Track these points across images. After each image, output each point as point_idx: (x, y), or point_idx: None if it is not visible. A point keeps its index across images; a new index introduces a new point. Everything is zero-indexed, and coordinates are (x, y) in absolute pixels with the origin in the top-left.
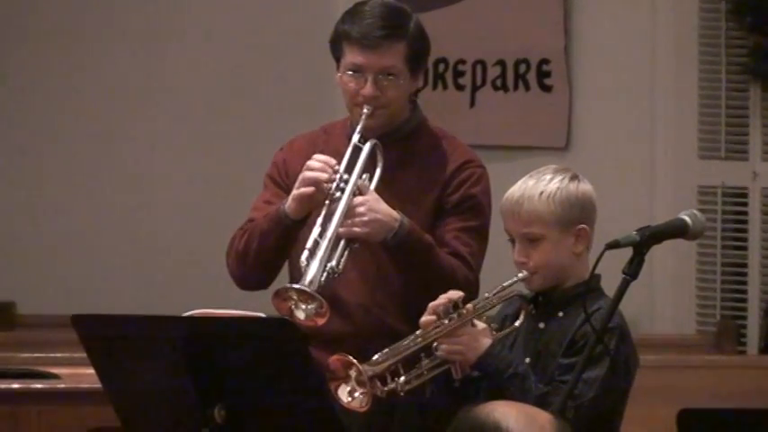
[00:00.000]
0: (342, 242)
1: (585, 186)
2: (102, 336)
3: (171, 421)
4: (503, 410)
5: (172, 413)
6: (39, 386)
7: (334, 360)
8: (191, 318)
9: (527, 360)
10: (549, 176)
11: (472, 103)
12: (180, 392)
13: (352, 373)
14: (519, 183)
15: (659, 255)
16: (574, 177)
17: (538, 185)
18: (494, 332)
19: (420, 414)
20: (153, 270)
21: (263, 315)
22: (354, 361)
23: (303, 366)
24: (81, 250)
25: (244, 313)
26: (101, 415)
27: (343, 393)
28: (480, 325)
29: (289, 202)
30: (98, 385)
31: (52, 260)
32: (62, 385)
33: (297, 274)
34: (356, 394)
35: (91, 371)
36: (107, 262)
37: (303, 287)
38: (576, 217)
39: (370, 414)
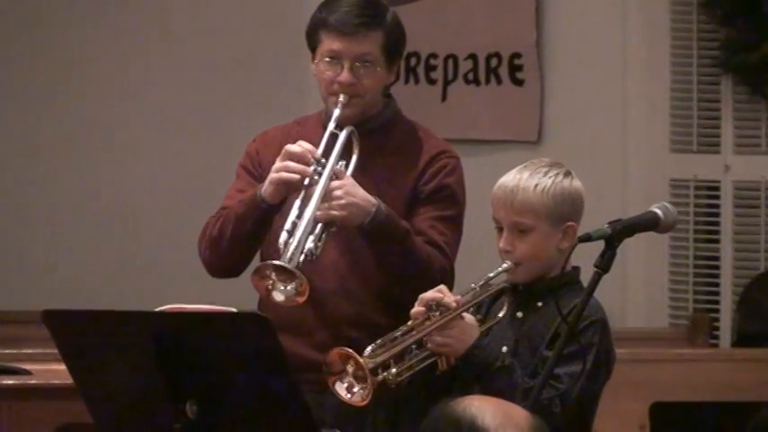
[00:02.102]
0: (319, 226)
1: (577, 183)
2: (73, 331)
3: (143, 417)
4: (479, 405)
5: (143, 408)
6: (9, 382)
7: (332, 353)
8: (162, 313)
9: (504, 348)
10: (544, 170)
11: (444, 97)
12: (151, 388)
13: (350, 366)
14: (513, 172)
15: (632, 248)
16: (568, 173)
17: (533, 177)
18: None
19: (393, 407)
20: (125, 265)
21: (234, 310)
22: (354, 354)
23: (274, 360)
24: (52, 245)
25: (215, 308)
26: (72, 411)
27: (341, 389)
28: (468, 317)
29: (265, 186)
30: (69, 381)
31: (23, 255)
32: (33, 381)
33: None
34: (355, 389)
35: (62, 367)
36: (78, 257)
37: (283, 263)
38: (566, 213)
39: (343, 407)
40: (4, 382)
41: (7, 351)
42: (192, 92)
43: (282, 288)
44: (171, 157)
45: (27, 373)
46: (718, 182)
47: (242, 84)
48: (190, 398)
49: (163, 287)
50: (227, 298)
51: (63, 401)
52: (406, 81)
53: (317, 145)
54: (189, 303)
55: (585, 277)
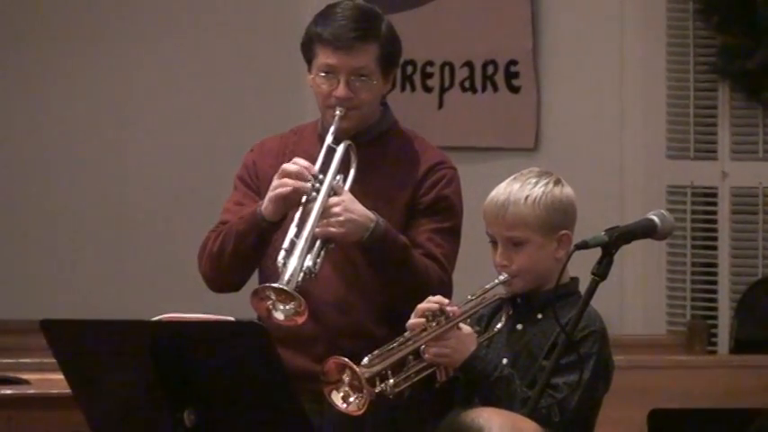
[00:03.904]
0: (318, 242)
1: (568, 191)
2: (71, 341)
3: (141, 426)
4: (488, 417)
5: (141, 418)
6: (8, 392)
7: (329, 363)
8: (159, 322)
9: (504, 360)
10: (534, 180)
11: (440, 105)
12: (149, 397)
13: (346, 376)
14: (503, 186)
15: (629, 255)
16: (558, 182)
17: (523, 189)
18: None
19: (392, 418)
20: (123, 274)
21: (231, 318)
22: (351, 363)
23: (272, 369)
24: (50, 254)
25: (212, 317)
26: (71, 420)
27: (337, 398)
28: (466, 328)
29: (265, 204)
30: (68, 391)
31: (21, 264)
32: (32, 391)
33: (269, 278)
34: (351, 399)
35: (60, 376)
36: (76, 266)
37: (282, 286)
38: (559, 222)
39: (342, 418)
40: (3, 391)
41: (6, 361)
42: (191, 100)
43: (282, 307)
44: (169, 167)
45: (26, 382)
46: (716, 188)
47: (239, 92)
48: (188, 407)
49: (161, 296)
50: (226, 307)
51: (62, 411)
52: (403, 89)
53: (313, 155)
54: (187, 313)
55: (584, 287)
